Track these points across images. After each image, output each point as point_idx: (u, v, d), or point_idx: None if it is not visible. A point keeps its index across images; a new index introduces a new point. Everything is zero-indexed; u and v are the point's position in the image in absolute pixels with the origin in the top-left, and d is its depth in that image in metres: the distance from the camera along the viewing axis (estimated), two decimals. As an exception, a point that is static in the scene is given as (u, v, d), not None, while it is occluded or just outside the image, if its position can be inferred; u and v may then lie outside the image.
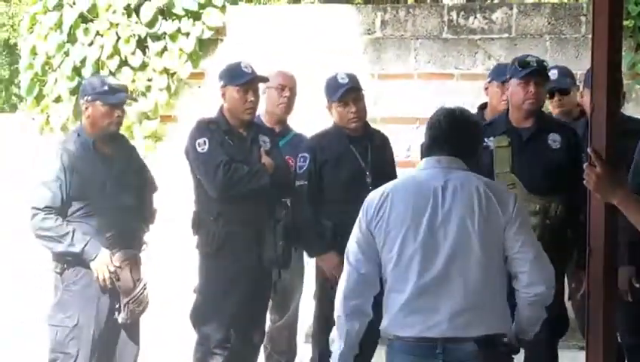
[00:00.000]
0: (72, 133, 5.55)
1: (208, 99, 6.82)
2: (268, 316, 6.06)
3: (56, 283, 5.34)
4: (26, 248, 6.04)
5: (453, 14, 7.75)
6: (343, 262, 5.31)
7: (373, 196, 3.59)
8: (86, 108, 5.34)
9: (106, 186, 5.27)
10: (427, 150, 3.57)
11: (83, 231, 5.21)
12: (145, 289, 5.39)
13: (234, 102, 5.52)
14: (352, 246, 3.60)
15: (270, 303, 5.97)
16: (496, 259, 3.41)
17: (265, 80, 5.69)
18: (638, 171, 4.95)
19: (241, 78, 5.52)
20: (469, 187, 3.44)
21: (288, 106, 6.16)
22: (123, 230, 5.31)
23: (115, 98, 5.34)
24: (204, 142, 5.45)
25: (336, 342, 3.64)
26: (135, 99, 7.00)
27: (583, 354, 3.61)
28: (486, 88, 6.04)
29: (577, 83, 6.14)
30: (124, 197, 5.31)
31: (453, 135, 3.53)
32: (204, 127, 5.54)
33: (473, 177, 3.49)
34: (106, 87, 5.35)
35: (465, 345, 3.41)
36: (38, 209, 5.21)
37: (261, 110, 6.07)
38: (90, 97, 5.33)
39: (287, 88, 6.14)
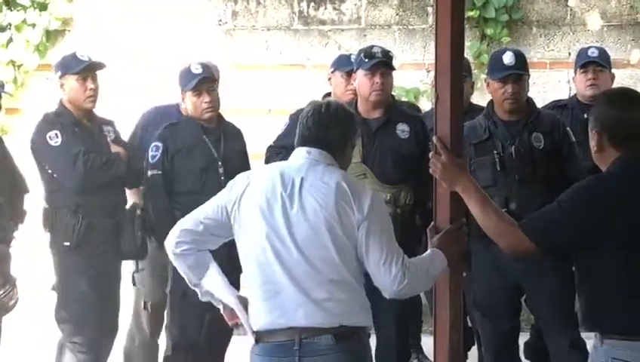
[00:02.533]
0: None
1: (56, 91, 6.67)
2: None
3: None
4: None
5: (304, 5, 7.79)
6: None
7: (240, 178, 3.59)
8: None
9: None
10: (298, 143, 3.58)
11: None
12: (15, 285, 5.27)
13: (74, 91, 5.49)
14: (201, 210, 3.58)
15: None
16: (348, 255, 3.42)
17: (102, 66, 5.59)
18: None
19: (79, 66, 5.48)
20: (329, 181, 3.45)
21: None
22: None
23: None
24: (56, 134, 5.39)
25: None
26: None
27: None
28: (329, 78, 6.06)
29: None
30: None
31: (320, 132, 3.54)
32: (54, 120, 5.48)
33: (336, 172, 3.50)
34: None
35: (321, 338, 3.41)
36: None
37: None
38: None
39: None
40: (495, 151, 5.07)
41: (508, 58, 5.16)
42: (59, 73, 5.53)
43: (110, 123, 5.68)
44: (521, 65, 5.19)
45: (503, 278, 5.08)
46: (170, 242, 3.60)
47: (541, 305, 5.10)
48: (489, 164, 5.07)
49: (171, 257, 3.62)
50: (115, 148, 5.50)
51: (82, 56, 5.54)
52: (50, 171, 5.46)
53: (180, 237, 3.57)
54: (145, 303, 5.71)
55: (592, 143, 3.36)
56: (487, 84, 5.26)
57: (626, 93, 3.55)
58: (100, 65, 5.56)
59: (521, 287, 5.15)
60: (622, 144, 3.30)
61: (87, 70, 5.48)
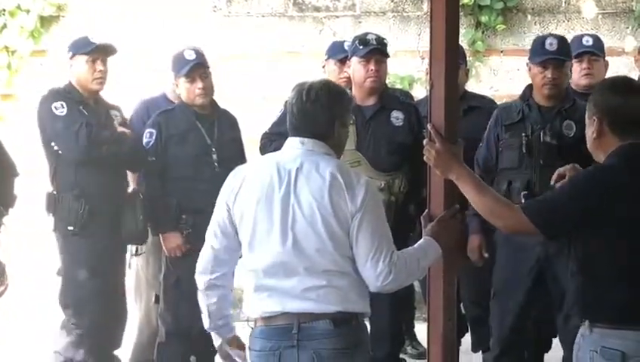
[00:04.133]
0: None
1: (50, 77, 6.67)
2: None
3: None
4: None
5: (299, -8, 7.79)
6: (184, 243, 5.37)
7: (237, 172, 3.59)
8: None
9: None
10: (290, 131, 3.57)
11: None
12: (4, 271, 5.26)
13: (83, 72, 5.56)
14: (212, 219, 3.60)
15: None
16: (344, 246, 3.42)
17: (113, 50, 5.66)
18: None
19: (89, 47, 5.57)
20: (323, 172, 3.44)
21: None
22: None
23: None
24: (62, 105, 5.45)
25: (204, 317, 3.67)
26: None
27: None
28: (323, 66, 6.08)
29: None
30: None
31: (307, 120, 3.51)
32: (60, 93, 5.54)
33: (331, 162, 3.49)
34: None
35: (319, 323, 3.42)
36: None
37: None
38: None
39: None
40: (524, 134, 5.07)
41: (550, 43, 5.14)
42: (70, 54, 5.63)
43: (117, 108, 5.75)
44: (563, 50, 5.14)
45: (524, 269, 5.03)
46: (205, 268, 3.59)
47: (560, 295, 5.04)
48: (516, 147, 5.07)
49: (202, 287, 3.61)
50: (121, 129, 5.57)
51: (93, 38, 5.64)
52: (53, 144, 5.49)
53: (214, 261, 3.57)
54: (157, 296, 5.68)
55: (591, 130, 3.37)
56: (529, 68, 5.23)
57: (625, 80, 3.58)
58: (111, 49, 5.65)
59: (543, 280, 5.07)
60: (622, 131, 3.32)
61: (96, 51, 5.56)
